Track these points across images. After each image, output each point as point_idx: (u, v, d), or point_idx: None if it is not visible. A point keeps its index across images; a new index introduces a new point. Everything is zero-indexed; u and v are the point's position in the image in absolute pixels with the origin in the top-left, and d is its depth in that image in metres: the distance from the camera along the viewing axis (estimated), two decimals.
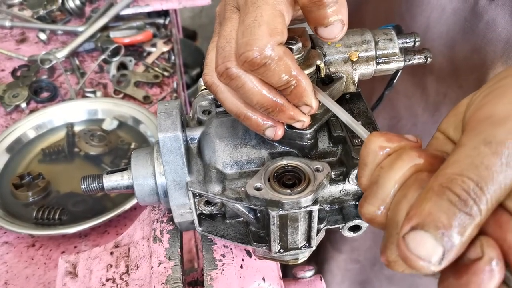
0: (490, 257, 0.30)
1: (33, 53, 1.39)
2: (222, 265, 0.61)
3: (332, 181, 0.57)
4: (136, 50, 1.44)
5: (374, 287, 1.31)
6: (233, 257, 0.63)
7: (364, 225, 0.58)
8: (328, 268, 1.33)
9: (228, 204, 0.56)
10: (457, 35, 0.78)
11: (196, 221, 0.59)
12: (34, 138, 1.15)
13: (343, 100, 0.60)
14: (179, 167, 0.55)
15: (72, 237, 0.96)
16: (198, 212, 0.59)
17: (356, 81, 0.59)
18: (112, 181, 0.59)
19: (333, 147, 0.57)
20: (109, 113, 1.20)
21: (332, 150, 0.57)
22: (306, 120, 0.52)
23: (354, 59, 0.57)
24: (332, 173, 0.56)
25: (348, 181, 0.56)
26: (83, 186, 0.60)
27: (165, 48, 1.43)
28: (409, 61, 0.60)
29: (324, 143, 0.58)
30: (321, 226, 0.57)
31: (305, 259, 0.60)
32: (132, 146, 1.12)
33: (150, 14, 1.52)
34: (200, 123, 0.62)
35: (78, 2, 1.48)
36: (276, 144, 0.56)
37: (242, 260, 0.63)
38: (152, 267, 0.61)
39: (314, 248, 0.57)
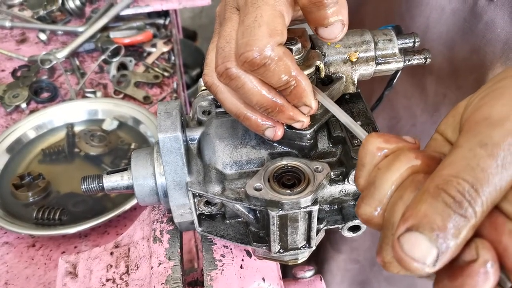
0: (485, 259, 0.30)
1: (33, 53, 1.39)
2: (222, 265, 0.62)
3: (332, 182, 0.57)
4: (136, 51, 1.44)
5: (373, 287, 1.31)
6: (233, 257, 0.63)
7: (364, 225, 0.58)
8: (328, 268, 1.33)
9: (228, 205, 0.56)
10: (456, 36, 0.78)
11: (196, 221, 0.59)
12: (34, 139, 1.15)
13: (343, 101, 0.60)
14: (179, 168, 0.56)
15: (72, 237, 0.96)
16: (198, 212, 0.59)
17: (356, 82, 0.59)
18: (112, 181, 0.59)
19: (333, 148, 0.57)
20: (109, 114, 1.20)
21: (332, 150, 0.57)
22: (306, 121, 0.52)
23: (354, 60, 0.58)
24: (332, 173, 0.56)
25: (348, 181, 0.56)
26: (83, 187, 0.60)
27: (165, 49, 1.44)
28: (408, 62, 0.60)
29: (323, 144, 0.58)
30: (321, 226, 0.57)
31: (304, 259, 0.60)
32: (132, 147, 1.12)
33: (150, 15, 1.52)
34: (200, 123, 0.62)
35: (78, 3, 1.49)
36: (275, 144, 0.56)
37: (242, 260, 0.63)
38: (152, 267, 0.62)
39: (313, 248, 0.57)
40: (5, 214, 0.96)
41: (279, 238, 0.54)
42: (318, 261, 1.36)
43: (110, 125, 1.17)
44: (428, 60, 0.61)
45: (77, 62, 1.38)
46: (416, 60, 0.60)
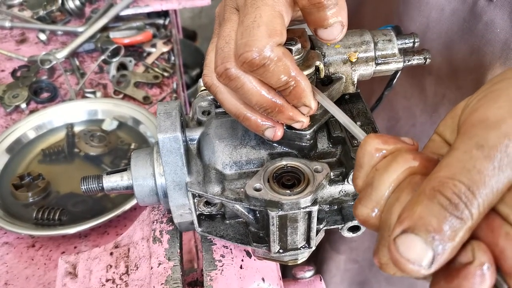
0: (481, 262, 0.30)
1: (33, 53, 1.39)
2: (222, 266, 0.62)
3: (332, 182, 0.57)
4: (136, 51, 1.44)
5: (373, 287, 1.31)
6: (232, 258, 0.63)
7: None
8: (327, 269, 1.33)
9: (227, 205, 0.56)
10: (455, 36, 0.78)
11: (195, 222, 0.59)
12: (34, 139, 1.15)
13: (343, 101, 0.60)
14: (179, 168, 0.56)
15: (72, 237, 0.96)
16: (197, 212, 0.59)
17: (356, 82, 0.59)
18: (111, 181, 0.59)
19: (333, 148, 0.57)
20: (109, 114, 1.20)
21: (332, 150, 0.57)
22: (305, 121, 0.52)
23: (353, 60, 0.58)
24: (332, 173, 0.56)
25: (348, 181, 0.56)
26: (83, 187, 0.60)
27: (165, 49, 1.44)
28: (408, 62, 0.60)
29: (323, 144, 0.58)
30: (321, 226, 0.57)
31: (304, 259, 0.60)
32: (132, 147, 1.12)
33: (150, 15, 1.52)
34: (199, 123, 0.62)
35: (78, 3, 1.49)
36: (275, 144, 0.57)
37: (242, 260, 0.63)
38: (151, 268, 0.62)
39: (313, 248, 0.57)
40: (5, 214, 0.96)
41: (279, 238, 0.54)
42: (317, 261, 1.36)
43: (110, 125, 1.17)
44: (428, 60, 0.61)
45: (77, 62, 1.38)
46: (416, 60, 0.60)
